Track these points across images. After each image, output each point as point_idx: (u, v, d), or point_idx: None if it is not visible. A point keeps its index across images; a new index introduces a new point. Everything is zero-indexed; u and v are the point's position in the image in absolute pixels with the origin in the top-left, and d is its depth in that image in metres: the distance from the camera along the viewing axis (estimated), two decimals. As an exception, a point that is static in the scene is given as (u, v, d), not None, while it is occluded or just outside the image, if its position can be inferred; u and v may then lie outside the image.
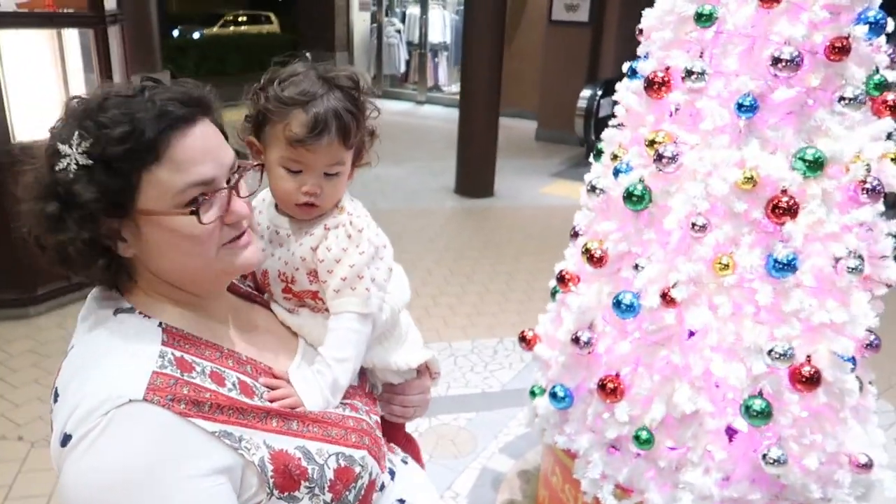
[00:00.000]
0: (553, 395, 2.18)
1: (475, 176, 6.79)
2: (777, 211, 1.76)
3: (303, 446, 0.93)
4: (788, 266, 1.76)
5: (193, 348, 0.92)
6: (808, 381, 1.81)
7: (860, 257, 1.83)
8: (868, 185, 1.81)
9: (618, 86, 2.07)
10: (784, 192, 1.77)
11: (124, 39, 4.74)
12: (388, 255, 1.25)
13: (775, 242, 1.79)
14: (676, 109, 1.97)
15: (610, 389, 1.98)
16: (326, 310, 1.17)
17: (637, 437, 1.95)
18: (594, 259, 1.99)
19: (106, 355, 0.86)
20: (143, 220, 0.87)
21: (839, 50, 1.73)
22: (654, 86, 1.92)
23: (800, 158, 1.76)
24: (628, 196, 1.93)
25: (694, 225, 1.83)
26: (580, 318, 2.05)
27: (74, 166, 0.83)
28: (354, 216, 1.19)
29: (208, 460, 0.84)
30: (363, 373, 1.24)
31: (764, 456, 1.86)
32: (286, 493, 0.90)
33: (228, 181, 0.93)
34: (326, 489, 0.93)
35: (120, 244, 0.89)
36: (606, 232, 2.02)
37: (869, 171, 1.80)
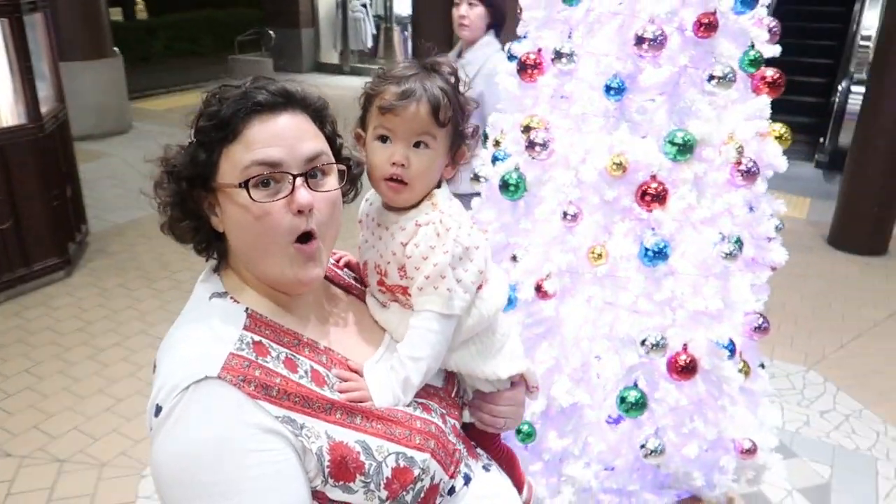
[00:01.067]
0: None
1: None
2: (646, 198, 1.70)
3: (363, 441, 0.94)
4: (660, 254, 1.71)
5: (273, 334, 0.97)
6: (685, 369, 1.76)
7: (737, 242, 1.78)
8: (743, 168, 1.75)
9: (499, 67, 1.99)
10: (653, 177, 1.71)
11: (49, 27, 4.59)
12: (480, 258, 1.17)
13: (646, 230, 1.73)
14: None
15: (495, 382, 1.94)
16: None
17: (518, 431, 1.91)
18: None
19: (194, 335, 0.93)
20: (221, 195, 0.96)
21: (707, 26, 1.66)
22: (527, 69, 1.84)
23: (669, 142, 1.69)
24: (504, 185, 1.86)
25: (565, 214, 1.76)
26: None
27: (188, 142, 0.98)
28: (446, 215, 1.14)
29: (270, 443, 0.87)
30: (453, 376, 1.20)
31: (642, 446, 1.82)
32: (341, 482, 0.92)
33: (305, 173, 0.96)
34: (382, 486, 0.94)
35: (212, 217, 0.99)
36: (488, 222, 1.96)
37: (741, 152, 1.74)
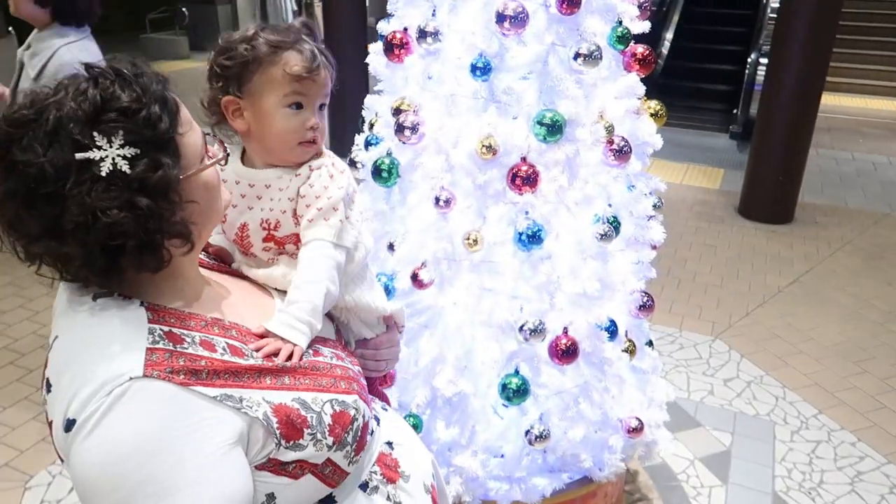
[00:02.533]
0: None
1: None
2: (517, 181, 1.65)
3: (298, 397, 0.97)
4: (534, 238, 1.67)
5: (178, 321, 0.94)
6: (565, 353, 1.74)
7: (613, 222, 1.76)
8: (615, 147, 1.72)
9: (371, 47, 1.90)
10: (524, 160, 1.66)
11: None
12: (360, 203, 1.31)
13: (519, 214, 1.69)
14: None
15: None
16: None
17: (407, 419, 1.86)
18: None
19: (96, 341, 0.87)
20: (187, 185, 0.91)
21: (570, 3, 1.61)
22: (393, 48, 1.76)
23: (538, 122, 1.65)
24: (376, 171, 1.79)
25: (438, 200, 1.70)
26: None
27: (122, 161, 0.83)
28: (336, 159, 1.25)
29: (216, 426, 0.87)
30: (337, 330, 1.27)
31: (527, 432, 1.80)
32: (292, 442, 0.94)
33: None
34: (327, 433, 0.99)
35: (185, 223, 0.92)
36: (363, 209, 1.87)
37: (611, 131, 1.71)
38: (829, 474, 2.77)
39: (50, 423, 0.89)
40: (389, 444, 1.22)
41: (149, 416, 0.83)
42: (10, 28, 7.70)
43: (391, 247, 1.82)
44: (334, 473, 1.04)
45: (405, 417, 1.86)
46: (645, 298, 1.99)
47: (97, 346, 0.87)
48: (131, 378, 0.83)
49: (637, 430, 1.95)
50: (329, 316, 1.25)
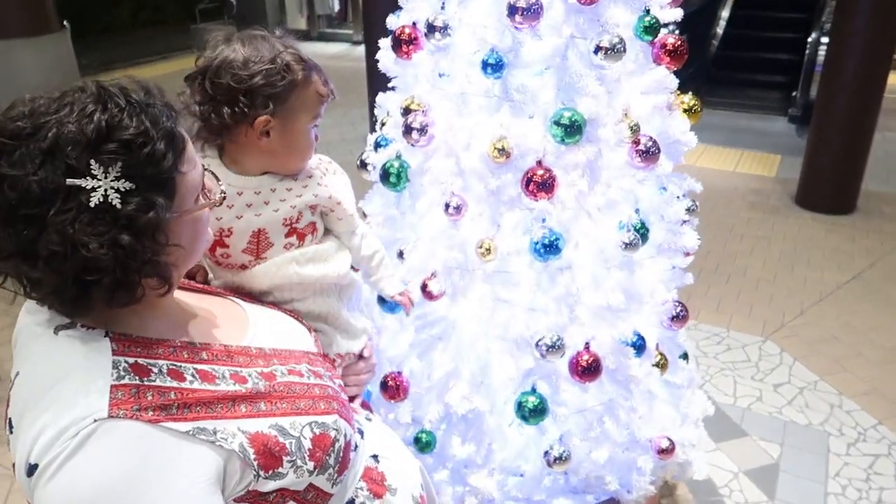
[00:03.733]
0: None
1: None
2: (531, 186, 1.53)
3: (276, 423, 0.93)
4: (551, 248, 1.54)
5: (145, 350, 0.89)
6: (587, 371, 1.62)
7: (639, 229, 1.62)
8: (641, 147, 1.58)
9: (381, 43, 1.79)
10: (539, 163, 1.53)
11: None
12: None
13: (535, 222, 1.56)
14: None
15: (392, 388, 1.79)
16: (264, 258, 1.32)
17: (417, 440, 1.77)
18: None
19: (59, 379, 0.83)
20: (176, 225, 0.87)
21: (589, -9, 1.47)
22: (401, 44, 1.65)
23: (555, 122, 1.52)
24: (384, 175, 1.69)
25: (447, 206, 1.59)
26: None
27: (115, 194, 0.79)
28: (318, 157, 1.35)
29: (189, 463, 0.83)
30: (316, 341, 1.28)
31: (546, 453, 1.69)
32: (271, 472, 0.91)
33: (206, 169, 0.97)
34: (307, 458, 0.95)
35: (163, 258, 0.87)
36: (374, 214, 1.78)
37: (637, 130, 1.56)
38: (888, 493, 2.56)
39: (13, 465, 0.85)
40: (375, 457, 1.18)
41: (116, 457, 0.79)
42: (64, 22, 7.89)
43: (401, 255, 1.72)
44: (317, 497, 1.00)
45: (418, 434, 1.77)
46: (678, 309, 1.84)
47: (59, 385, 0.82)
48: (96, 420, 0.78)
49: (668, 451, 1.81)
50: (308, 328, 1.26)
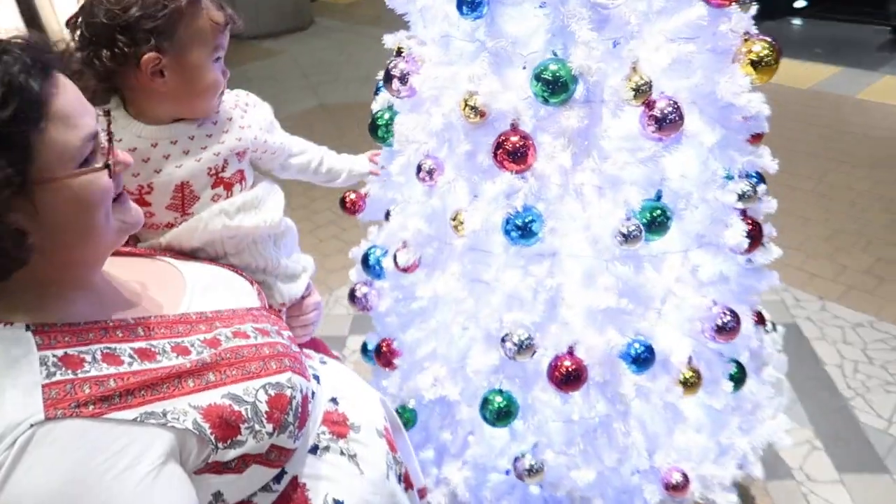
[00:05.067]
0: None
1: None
2: (499, 154, 1.26)
3: (228, 392, 0.91)
4: (524, 231, 1.28)
5: (74, 337, 0.83)
6: (566, 380, 1.35)
7: (653, 216, 1.27)
8: (656, 113, 1.21)
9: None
10: (514, 127, 1.25)
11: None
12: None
13: (505, 198, 1.30)
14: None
15: (384, 355, 1.68)
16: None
17: (399, 414, 1.65)
18: (346, 205, 1.63)
19: None
20: (43, 192, 0.78)
21: None
22: (390, -26, 1.42)
23: (535, 77, 1.22)
24: (371, 126, 1.52)
25: (419, 169, 1.39)
26: (357, 269, 1.72)
27: None
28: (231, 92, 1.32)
29: (141, 450, 0.80)
30: (259, 293, 1.25)
31: (515, 460, 1.47)
32: (229, 441, 0.89)
33: (105, 130, 0.87)
34: (265, 421, 0.93)
35: (26, 232, 0.78)
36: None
37: (646, 91, 1.20)
38: None
39: None
40: (334, 399, 1.15)
41: (62, 460, 0.74)
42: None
43: (387, 216, 1.56)
44: (280, 455, 0.98)
45: (398, 408, 1.65)
46: (727, 318, 1.45)
47: None
48: (32, 425, 0.73)
49: (679, 487, 1.48)
50: (249, 280, 1.19)
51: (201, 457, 0.87)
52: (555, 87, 1.20)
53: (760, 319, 1.69)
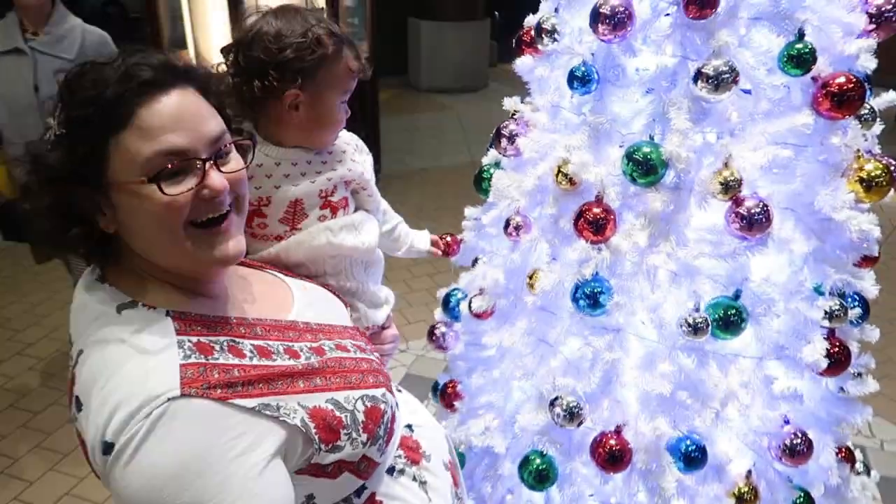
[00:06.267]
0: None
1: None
2: (580, 222, 1.30)
3: (332, 398, 0.96)
4: (592, 300, 1.31)
5: (205, 328, 0.91)
6: (610, 459, 1.34)
7: (727, 313, 1.25)
8: (742, 211, 1.21)
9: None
10: (598, 199, 1.30)
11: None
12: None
13: (581, 266, 1.33)
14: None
15: (448, 396, 1.74)
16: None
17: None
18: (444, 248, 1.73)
19: (126, 358, 0.84)
20: (115, 192, 0.86)
21: (700, 3, 1.16)
22: (521, 45, 1.54)
23: (627, 156, 1.26)
24: (477, 178, 1.62)
25: (507, 224, 1.46)
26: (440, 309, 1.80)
27: (53, 136, 0.85)
28: (350, 136, 1.47)
29: (257, 438, 0.85)
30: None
31: (545, 530, 1.46)
32: (330, 445, 0.94)
33: (213, 155, 0.89)
34: (361, 430, 0.98)
35: (100, 218, 0.89)
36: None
37: (736, 186, 1.20)
38: None
39: (82, 442, 0.88)
40: (409, 426, 1.20)
41: (191, 436, 0.81)
42: (496, 13, 8.93)
43: (474, 263, 1.64)
44: (368, 467, 1.03)
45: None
46: (796, 441, 1.37)
47: (128, 363, 0.83)
48: (169, 399, 0.80)
49: None
50: (344, 301, 1.30)
51: (304, 456, 0.92)
52: (644, 168, 1.24)
53: (848, 456, 1.56)
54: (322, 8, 1.45)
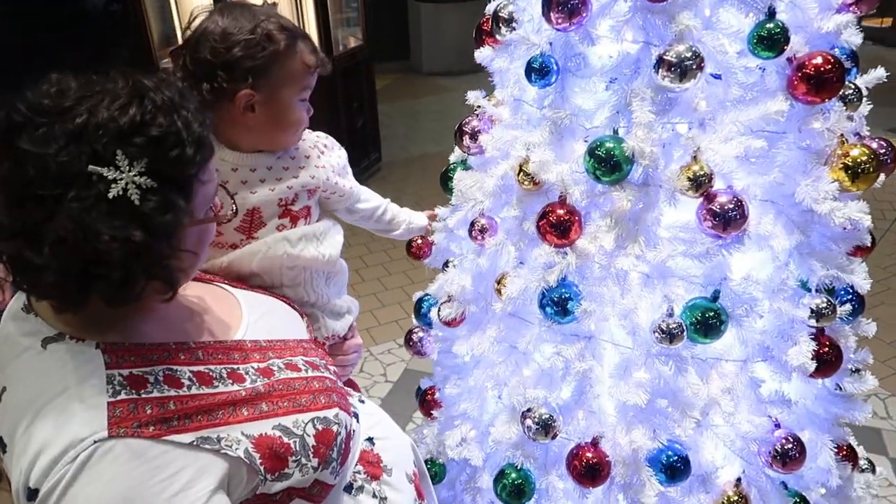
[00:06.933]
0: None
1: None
2: (542, 224, 1.22)
3: (279, 424, 0.92)
4: (559, 307, 1.23)
5: (139, 358, 0.85)
6: (586, 473, 1.27)
7: (708, 317, 1.16)
8: (714, 207, 1.11)
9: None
10: (562, 200, 1.21)
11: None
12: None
13: (546, 271, 1.25)
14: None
15: (428, 403, 1.67)
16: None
17: (429, 463, 1.63)
18: (412, 249, 1.65)
19: (52, 396, 0.79)
20: (186, 234, 0.85)
21: (659, -18, 1.06)
22: (481, 35, 1.44)
23: (589, 152, 1.17)
24: (443, 176, 1.54)
25: (472, 227, 1.38)
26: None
27: (135, 190, 0.75)
28: (315, 134, 1.40)
29: (195, 475, 0.81)
30: (310, 330, 1.31)
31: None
32: (277, 473, 0.90)
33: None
34: (312, 455, 0.94)
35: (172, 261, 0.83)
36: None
37: (706, 182, 1.10)
38: None
39: (9, 483, 0.83)
40: (370, 439, 1.16)
41: (120, 479, 0.76)
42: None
43: (445, 266, 1.56)
44: (322, 491, 1.00)
45: (427, 461, 1.63)
46: (788, 446, 1.28)
47: (53, 402, 0.79)
48: (96, 441, 0.76)
49: None
50: (300, 312, 1.24)
51: (249, 487, 0.88)
52: (608, 165, 1.14)
53: (850, 455, 1.47)
54: (275, 3, 1.36)
